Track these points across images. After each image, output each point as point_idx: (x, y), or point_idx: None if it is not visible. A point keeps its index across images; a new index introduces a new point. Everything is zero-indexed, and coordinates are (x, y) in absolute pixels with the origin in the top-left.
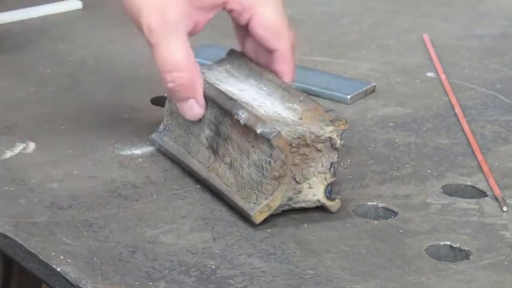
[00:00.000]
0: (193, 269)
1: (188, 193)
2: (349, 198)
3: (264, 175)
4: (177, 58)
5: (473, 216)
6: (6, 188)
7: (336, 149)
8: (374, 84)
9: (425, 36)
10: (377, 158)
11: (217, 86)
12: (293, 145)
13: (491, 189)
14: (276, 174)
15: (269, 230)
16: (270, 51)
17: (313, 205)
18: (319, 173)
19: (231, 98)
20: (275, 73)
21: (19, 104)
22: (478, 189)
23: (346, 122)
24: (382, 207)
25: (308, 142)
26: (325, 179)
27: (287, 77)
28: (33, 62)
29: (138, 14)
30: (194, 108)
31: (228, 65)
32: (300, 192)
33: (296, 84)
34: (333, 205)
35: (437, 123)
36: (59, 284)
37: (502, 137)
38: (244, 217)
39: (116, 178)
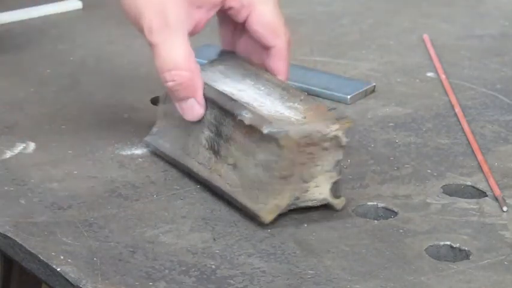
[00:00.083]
0: (193, 269)
1: (188, 193)
2: (349, 198)
3: (271, 175)
4: (177, 57)
5: (473, 216)
6: (6, 188)
7: (341, 146)
8: (374, 84)
9: (425, 36)
10: (377, 158)
11: (215, 86)
12: (301, 144)
13: (491, 189)
14: (284, 173)
15: (269, 230)
16: (266, 49)
17: (319, 204)
18: (326, 171)
19: (231, 99)
20: (270, 71)
21: (19, 104)
22: (478, 189)
23: (351, 120)
24: (382, 207)
25: (315, 141)
26: (331, 177)
27: (282, 75)
28: (33, 62)
29: (139, 15)
30: (194, 108)
31: (221, 66)
32: (307, 191)
33: (296, 84)
34: (339, 203)
35: (437, 123)
36: (59, 284)
37: (502, 137)
38: (244, 217)
39: (116, 178)
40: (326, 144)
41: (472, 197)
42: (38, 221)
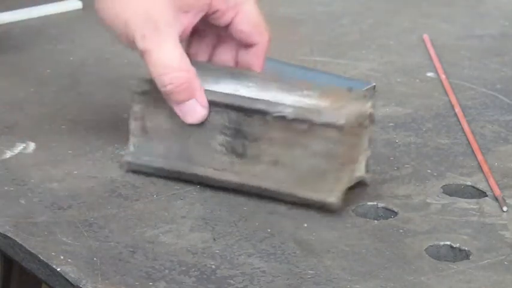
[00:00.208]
0: (193, 269)
1: (188, 193)
2: (349, 198)
3: (333, 162)
4: (172, 60)
5: (473, 216)
6: (6, 188)
7: (373, 122)
8: (374, 84)
9: (425, 36)
10: (377, 158)
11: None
12: (354, 126)
13: (491, 189)
14: (346, 158)
15: (269, 230)
16: (249, 46)
17: (357, 181)
18: (364, 149)
19: (251, 98)
20: (248, 67)
21: (19, 104)
22: (478, 189)
23: (373, 93)
24: (382, 207)
25: (361, 121)
26: (366, 154)
27: (259, 69)
28: (33, 62)
29: (125, 25)
30: (196, 110)
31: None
32: (353, 171)
33: None
34: (368, 178)
35: (437, 123)
36: (59, 284)
37: (502, 137)
38: (244, 217)
39: (115, 178)
40: (366, 123)
41: (472, 197)
42: (38, 221)
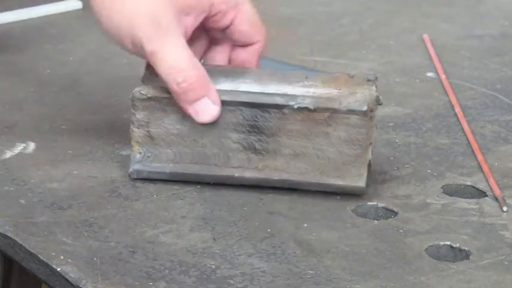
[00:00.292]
0: (193, 269)
1: (188, 193)
2: (349, 198)
3: (358, 147)
4: (183, 59)
5: (473, 216)
6: (6, 188)
7: (380, 104)
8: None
9: (425, 36)
10: (377, 158)
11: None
12: (372, 111)
13: (491, 189)
14: (369, 141)
15: (269, 230)
16: (246, 46)
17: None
18: (374, 131)
19: (264, 93)
20: (245, 65)
21: (19, 104)
22: (478, 189)
23: (376, 77)
24: (382, 207)
25: (375, 105)
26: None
27: (254, 67)
28: (33, 62)
29: (130, 29)
30: (209, 108)
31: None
32: (370, 153)
33: None
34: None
35: (437, 123)
36: (59, 284)
37: (502, 137)
38: (244, 217)
39: (115, 178)
40: (376, 106)
41: (472, 197)
42: (38, 221)
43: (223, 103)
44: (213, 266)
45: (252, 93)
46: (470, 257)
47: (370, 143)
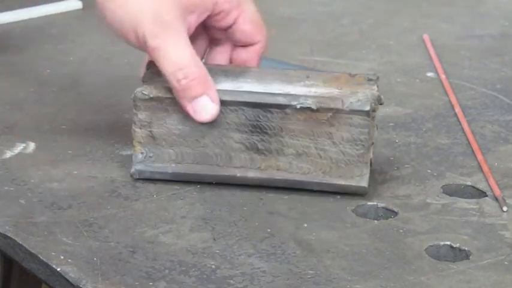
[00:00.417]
0: (193, 269)
1: (188, 193)
2: (349, 198)
3: (361, 146)
4: (185, 55)
5: (473, 216)
6: (6, 188)
7: (381, 104)
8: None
9: (425, 36)
10: (377, 158)
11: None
12: (374, 110)
13: (491, 189)
14: (372, 141)
15: (269, 230)
16: (248, 45)
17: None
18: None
19: (266, 93)
20: (246, 65)
21: (19, 104)
22: (478, 189)
23: (377, 77)
24: (382, 207)
25: (377, 104)
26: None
27: (257, 65)
28: (33, 62)
29: (134, 25)
30: (207, 106)
31: None
32: (372, 153)
33: None
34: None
35: (437, 123)
36: (59, 284)
37: (502, 137)
38: (244, 217)
39: (115, 178)
40: (378, 105)
41: (472, 197)
42: (38, 221)
43: (226, 103)
44: (213, 266)
45: (254, 93)
46: (470, 257)
47: (372, 143)
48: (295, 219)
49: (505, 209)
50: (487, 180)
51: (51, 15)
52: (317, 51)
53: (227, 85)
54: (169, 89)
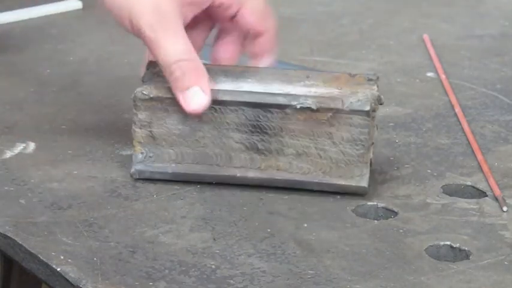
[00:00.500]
0: (193, 269)
1: (188, 193)
2: (349, 198)
3: (361, 146)
4: (180, 47)
5: (473, 216)
6: (6, 188)
7: (381, 104)
8: None
9: (425, 36)
10: (377, 158)
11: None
12: (374, 110)
13: (491, 189)
14: (372, 141)
15: (269, 230)
16: (257, 36)
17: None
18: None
19: (267, 93)
20: (260, 56)
21: (19, 104)
22: (478, 189)
23: (377, 77)
24: (382, 207)
25: (377, 104)
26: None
27: (273, 55)
28: (33, 62)
29: (129, 14)
30: (199, 96)
31: None
32: (372, 153)
33: None
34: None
35: (437, 123)
36: (59, 284)
37: (502, 137)
38: (244, 217)
39: (115, 178)
40: (378, 105)
41: (472, 197)
42: (38, 221)
43: (226, 103)
44: (213, 266)
45: (254, 93)
46: (470, 257)
47: (372, 143)
48: (295, 219)
49: (505, 209)
50: (487, 180)
51: (51, 15)
52: (317, 51)
53: (227, 85)
54: (170, 89)
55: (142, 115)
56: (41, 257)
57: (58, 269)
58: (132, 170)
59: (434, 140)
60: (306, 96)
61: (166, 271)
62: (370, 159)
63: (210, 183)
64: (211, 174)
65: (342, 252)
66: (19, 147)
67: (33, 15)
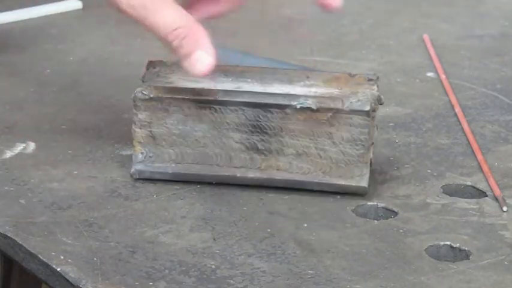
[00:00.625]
0: (193, 269)
1: (188, 193)
2: (349, 198)
3: (361, 146)
4: (174, 16)
5: (473, 216)
6: (6, 188)
7: (381, 104)
8: None
9: (425, 36)
10: (377, 158)
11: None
12: (374, 110)
13: (491, 189)
14: (372, 141)
15: (269, 230)
16: None
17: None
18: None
19: (267, 93)
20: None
21: (19, 104)
22: (478, 189)
23: (377, 77)
24: (382, 207)
25: (377, 104)
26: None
27: None
28: (33, 62)
29: None
30: (203, 60)
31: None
32: (372, 153)
33: None
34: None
35: (437, 123)
36: (59, 284)
37: (502, 137)
38: (244, 217)
39: (115, 178)
40: (378, 105)
41: (472, 197)
42: (38, 221)
43: (226, 103)
44: (213, 266)
45: (254, 93)
46: (470, 257)
47: (372, 143)
48: (295, 219)
49: (505, 209)
50: (487, 180)
51: (51, 15)
52: (317, 51)
53: (227, 85)
54: (170, 89)
55: (142, 115)
56: (41, 257)
57: (58, 269)
58: (132, 170)
59: (434, 140)
60: (306, 96)
61: (166, 271)
62: (370, 159)
63: (210, 183)
64: (211, 174)
65: (342, 252)
66: (19, 147)
67: (33, 15)
